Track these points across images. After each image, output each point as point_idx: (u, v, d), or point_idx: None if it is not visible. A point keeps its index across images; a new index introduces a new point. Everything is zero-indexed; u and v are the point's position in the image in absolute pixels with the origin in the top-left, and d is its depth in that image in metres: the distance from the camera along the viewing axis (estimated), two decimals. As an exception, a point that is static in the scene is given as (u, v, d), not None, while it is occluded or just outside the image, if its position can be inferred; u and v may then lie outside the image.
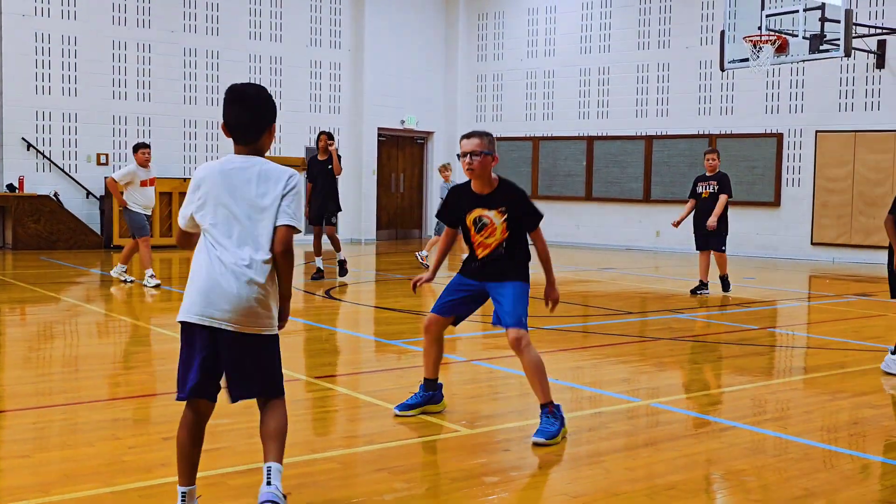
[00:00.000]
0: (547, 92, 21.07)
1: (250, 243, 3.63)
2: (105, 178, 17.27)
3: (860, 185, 16.74)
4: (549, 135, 20.87)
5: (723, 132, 18.58)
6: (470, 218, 5.11)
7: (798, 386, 6.60)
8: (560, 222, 20.36)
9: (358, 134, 20.66)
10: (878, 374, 7.12)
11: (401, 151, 22.07)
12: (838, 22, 13.46)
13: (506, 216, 5.03)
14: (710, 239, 11.58)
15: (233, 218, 3.64)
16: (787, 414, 5.70)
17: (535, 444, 4.79)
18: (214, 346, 3.58)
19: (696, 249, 11.90)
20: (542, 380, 5.00)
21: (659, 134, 19.36)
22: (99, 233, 17.23)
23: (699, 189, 11.71)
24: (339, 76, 20.59)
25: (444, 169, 15.54)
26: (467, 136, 5.11)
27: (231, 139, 3.78)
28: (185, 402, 3.67)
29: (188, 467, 3.64)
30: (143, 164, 11.92)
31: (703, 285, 11.72)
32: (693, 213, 11.79)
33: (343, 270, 12.85)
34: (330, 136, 12.85)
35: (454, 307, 5.24)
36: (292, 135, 19.84)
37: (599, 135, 20.15)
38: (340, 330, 8.70)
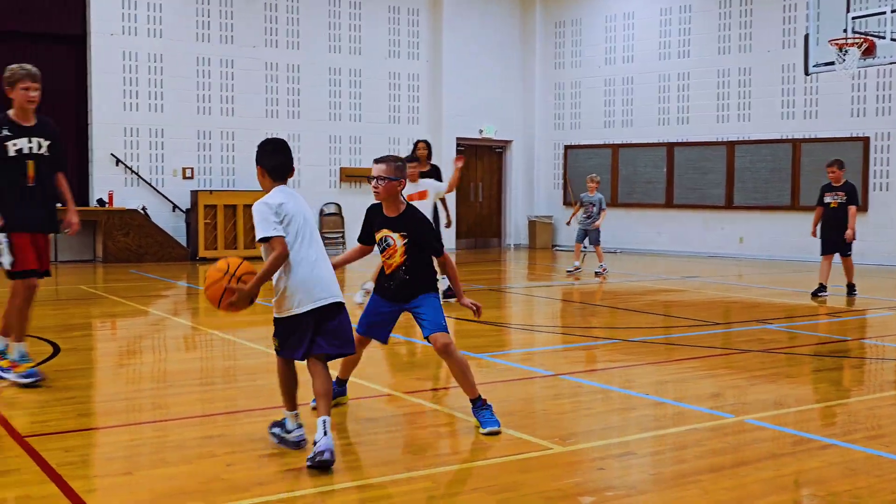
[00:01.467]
0: (626, 98, 20.89)
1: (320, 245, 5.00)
2: (191, 191, 17.70)
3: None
4: (629, 142, 20.69)
5: (807, 136, 18.19)
6: (378, 236, 5.52)
7: (894, 401, 6.41)
8: (640, 230, 20.16)
9: (437, 144, 20.68)
10: (981, 388, 6.90)
11: (479, 161, 22.09)
12: (929, 22, 13.06)
13: (406, 240, 5.39)
14: (840, 245, 12.32)
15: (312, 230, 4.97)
16: (886, 431, 5.54)
17: (492, 434, 5.24)
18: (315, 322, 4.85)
19: (821, 255, 12.57)
20: (470, 378, 5.45)
21: (741, 139, 19.04)
22: (185, 245, 17.60)
23: (827, 199, 12.56)
24: (417, 87, 20.72)
25: (590, 181, 15.35)
26: (377, 160, 5.44)
27: (273, 178, 4.95)
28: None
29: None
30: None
31: (822, 288, 12.21)
32: (821, 221, 12.66)
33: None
34: (428, 146, 11.86)
35: (372, 330, 5.64)
36: (372, 146, 20.01)
37: (680, 141, 19.90)
38: (423, 343, 8.73)
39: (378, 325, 5.60)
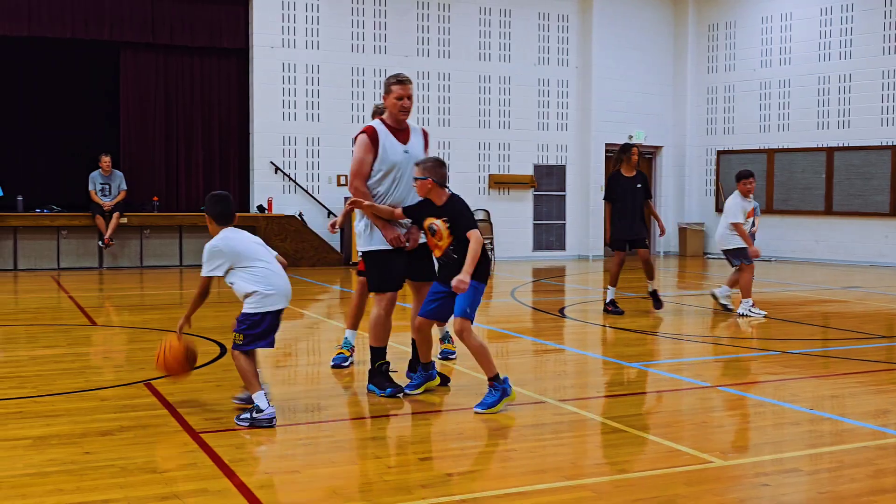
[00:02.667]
0: (782, 102, 20.26)
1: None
2: (345, 198, 18.20)
3: None
4: (785, 146, 20.04)
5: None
6: (425, 224, 6.38)
7: None
8: (798, 237, 19.50)
9: (586, 150, 20.64)
10: None
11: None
12: None
13: (448, 225, 6.23)
14: None
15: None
16: None
17: (475, 413, 5.92)
18: None
19: None
20: (486, 360, 6.08)
21: (908, 143, 18.17)
22: (339, 251, 18.09)
23: None
24: (566, 93, 20.65)
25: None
26: (416, 162, 6.48)
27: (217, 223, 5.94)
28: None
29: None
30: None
31: None
32: None
33: (658, 302, 11.33)
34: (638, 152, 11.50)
35: (436, 312, 6.34)
36: (521, 153, 20.11)
37: (840, 145, 19.15)
38: (576, 350, 8.72)
39: (437, 307, 6.29)
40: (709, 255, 21.13)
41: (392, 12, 18.84)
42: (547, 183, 20.50)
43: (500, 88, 19.93)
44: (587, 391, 7.04)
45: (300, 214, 17.94)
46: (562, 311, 11.56)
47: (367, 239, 6.62)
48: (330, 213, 18.29)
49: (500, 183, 19.87)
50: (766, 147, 20.20)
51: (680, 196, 22.16)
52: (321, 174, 18.40)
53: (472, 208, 21.25)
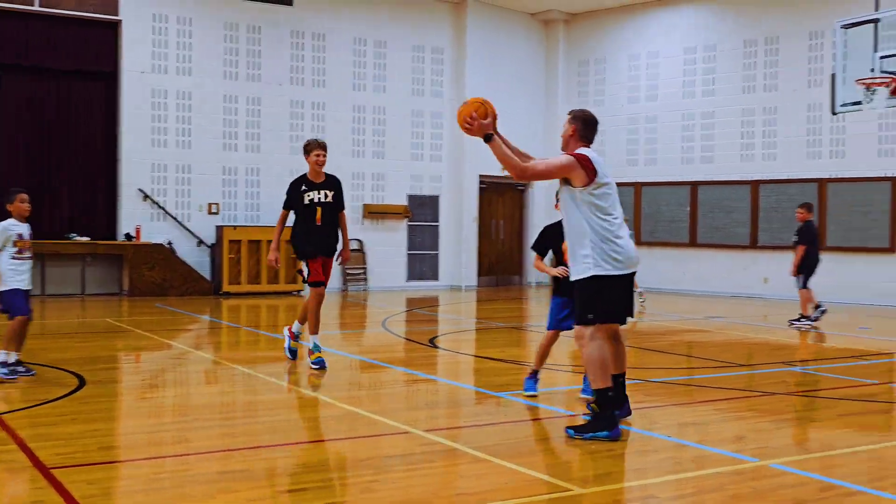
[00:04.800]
0: (649, 137, 20.92)
1: None
2: (216, 226, 17.83)
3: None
4: (652, 180, 20.68)
5: (833, 176, 18.11)
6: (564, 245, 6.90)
7: (926, 446, 6.30)
8: (664, 268, 20.06)
9: (459, 181, 20.81)
10: None
11: (501, 198, 22.12)
12: (956, 63, 13.00)
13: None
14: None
15: None
16: (916, 477, 5.44)
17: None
18: None
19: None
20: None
21: (766, 178, 18.98)
22: (209, 279, 17.69)
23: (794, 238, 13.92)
24: (441, 125, 20.83)
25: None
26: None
27: None
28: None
29: None
30: None
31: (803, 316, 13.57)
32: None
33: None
34: None
35: (561, 324, 7.30)
36: (395, 183, 20.15)
37: (704, 180, 19.86)
38: (445, 380, 8.70)
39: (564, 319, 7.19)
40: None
41: (266, 40, 18.67)
42: (421, 213, 20.57)
43: (374, 119, 19.95)
44: (455, 421, 7.02)
45: (169, 243, 17.48)
46: (432, 340, 11.55)
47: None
48: (200, 241, 17.87)
49: (374, 213, 19.83)
50: (634, 181, 20.78)
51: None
52: (192, 202, 17.98)
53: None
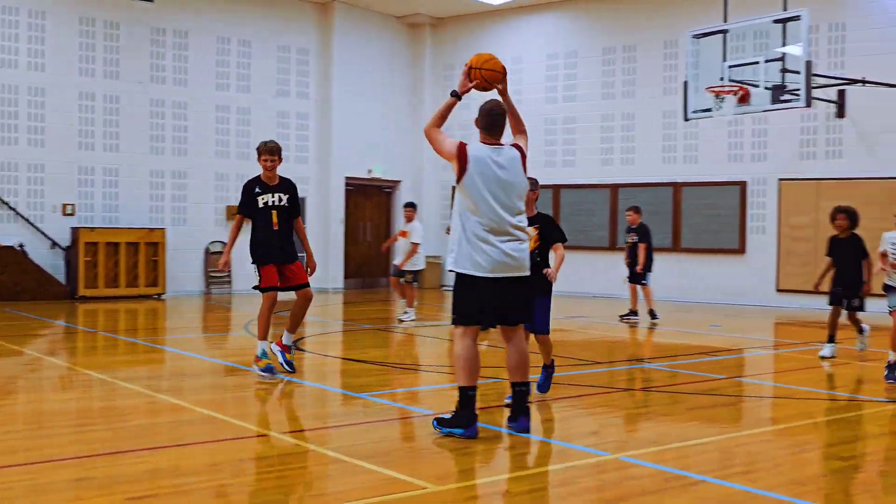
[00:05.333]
0: (514, 141, 21.22)
1: None
2: (71, 228, 17.20)
3: (824, 233, 16.94)
4: (517, 183, 20.99)
5: (687, 180, 18.82)
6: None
7: (767, 437, 6.61)
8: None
9: (326, 183, 20.70)
10: (845, 424, 7.18)
11: (368, 200, 22.11)
12: (798, 73, 13.70)
13: (538, 231, 7.27)
14: (635, 276, 14.51)
15: None
16: (757, 467, 5.70)
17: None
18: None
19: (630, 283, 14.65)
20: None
21: (624, 182, 19.56)
22: (64, 283, 17.04)
23: (627, 238, 14.79)
24: (306, 126, 20.67)
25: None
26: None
27: None
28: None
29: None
30: None
31: (632, 313, 14.52)
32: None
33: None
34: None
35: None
36: (260, 184, 19.84)
37: (566, 183, 20.32)
38: (305, 382, 8.63)
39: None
40: (445, 287, 21.71)
41: (125, 36, 18.12)
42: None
43: (239, 119, 19.63)
44: (314, 423, 6.97)
45: (20, 245, 16.74)
46: (297, 343, 11.42)
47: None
48: (55, 243, 17.19)
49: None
50: (499, 183, 21.06)
51: (419, 230, 22.62)
52: (45, 203, 17.28)
53: (210, 240, 20.70)
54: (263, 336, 8.69)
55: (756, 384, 9.25)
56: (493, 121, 6.33)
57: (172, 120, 18.74)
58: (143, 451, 5.76)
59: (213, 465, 5.42)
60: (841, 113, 17.06)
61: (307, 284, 8.85)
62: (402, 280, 14.36)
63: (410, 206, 14.64)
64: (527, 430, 6.28)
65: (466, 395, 6.15)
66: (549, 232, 7.44)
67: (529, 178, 6.53)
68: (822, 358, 10.43)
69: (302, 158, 20.55)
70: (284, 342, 8.86)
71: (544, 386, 7.81)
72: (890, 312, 8.88)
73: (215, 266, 19.21)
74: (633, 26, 19.63)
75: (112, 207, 18.01)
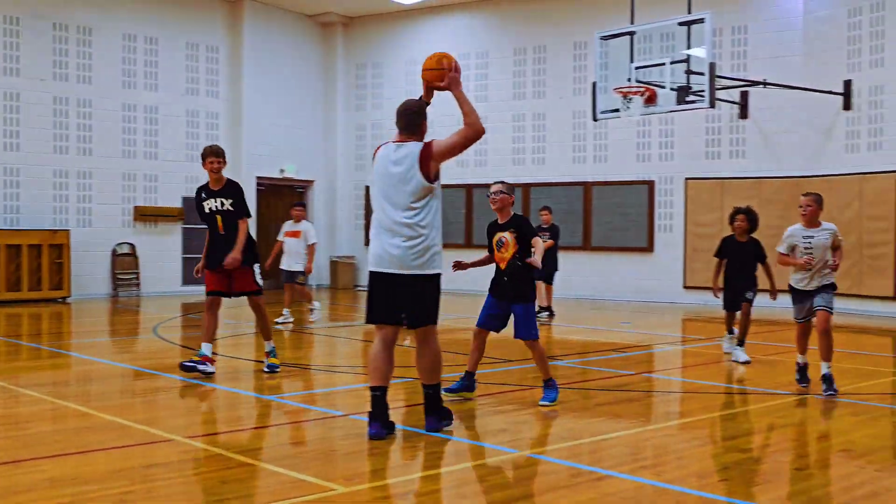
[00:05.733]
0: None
1: None
2: (-32, 230, 16.60)
3: (728, 231, 17.36)
4: (430, 183, 21.04)
5: (597, 180, 19.10)
6: (494, 241, 7.49)
7: (673, 431, 6.74)
8: (442, 270, 20.45)
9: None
10: (746, 417, 7.37)
11: (280, 201, 21.86)
12: (703, 74, 14.02)
13: (515, 235, 7.28)
14: (543, 275, 14.25)
15: None
16: (662, 461, 5.81)
17: (540, 406, 7.33)
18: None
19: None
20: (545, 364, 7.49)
21: (536, 182, 19.75)
22: (-38, 288, 16.48)
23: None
24: (216, 125, 20.37)
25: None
26: (496, 182, 7.53)
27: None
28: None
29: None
30: None
31: (543, 309, 14.33)
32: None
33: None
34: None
35: (488, 323, 7.53)
36: (169, 185, 19.49)
37: (478, 182, 20.43)
38: (216, 385, 8.50)
39: (493, 318, 7.42)
40: (359, 288, 21.63)
41: (26, 32, 17.58)
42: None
43: (146, 118, 19.23)
44: (221, 426, 6.86)
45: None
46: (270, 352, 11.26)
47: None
48: (-49, 246, 16.60)
49: (146, 215, 19.10)
50: (413, 183, 21.06)
51: (332, 230, 22.53)
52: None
53: (117, 242, 20.24)
54: (206, 339, 8.79)
55: (664, 379, 9.43)
56: (399, 118, 6.42)
57: (77, 118, 18.26)
58: (43, 459, 5.60)
59: (117, 472, 5.29)
60: (744, 114, 17.52)
61: (253, 292, 8.98)
62: (297, 283, 13.89)
63: (301, 206, 14.24)
64: (435, 430, 6.27)
65: (371, 395, 6.13)
66: (524, 232, 7.39)
67: (499, 182, 7.39)
68: (728, 353, 10.49)
69: (212, 158, 20.21)
70: (267, 349, 9.21)
71: (548, 399, 7.43)
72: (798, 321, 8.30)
73: (122, 268, 18.80)
74: (543, 27, 19.84)
75: (13, 208, 17.46)
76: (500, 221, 7.51)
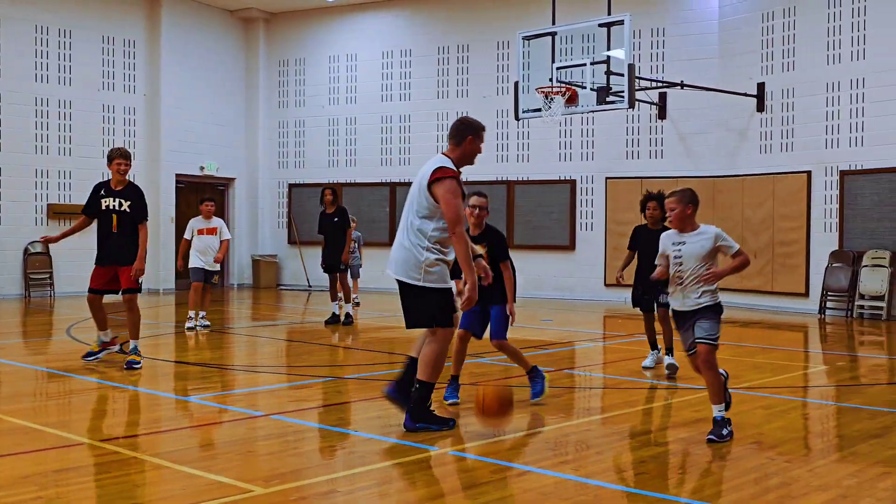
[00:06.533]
0: (349, 139, 21.20)
1: None
2: None
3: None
4: (353, 181, 20.96)
5: (520, 178, 19.23)
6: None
7: (592, 426, 6.82)
8: (368, 268, 20.39)
9: (155, 180, 20.02)
10: (665, 411, 7.49)
11: (200, 198, 21.51)
12: (622, 75, 14.21)
13: (486, 249, 7.19)
14: None
15: None
16: (581, 455, 5.86)
17: (532, 402, 7.47)
18: None
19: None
20: (521, 359, 7.65)
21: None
22: None
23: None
24: (133, 121, 19.95)
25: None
26: (480, 194, 7.46)
27: None
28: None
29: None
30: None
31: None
32: None
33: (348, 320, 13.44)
34: (333, 192, 13.75)
35: (471, 326, 7.36)
36: (84, 181, 18.98)
37: (402, 181, 20.41)
38: (131, 387, 8.32)
39: (474, 322, 7.34)
40: (282, 287, 21.44)
41: (-68, 23, 16.99)
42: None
43: (59, 113, 18.73)
44: (135, 429, 6.71)
45: None
46: (122, 347, 11.01)
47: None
48: None
49: (60, 213, 18.59)
50: (335, 181, 20.95)
51: (253, 228, 22.27)
52: None
53: (28, 241, 19.74)
54: (101, 328, 9.45)
55: (585, 376, 9.54)
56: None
57: (-13, 113, 17.72)
58: (-52, 464, 5.41)
59: (27, 478, 5.14)
60: (662, 114, 17.83)
61: (129, 290, 9.29)
62: (212, 283, 13.32)
63: (212, 201, 13.46)
64: (409, 429, 6.31)
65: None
66: (495, 249, 7.30)
67: (475, 193, 7.32)
68: (645, 368, 9.38)
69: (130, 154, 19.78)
70: (103, 339, 9.49)
71: (536, 394, 7.51)
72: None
73: (35, 267, 18.30)
74: (467, 26, 19.90)
75: (-81, 206, 16.86)
76: (472, 234, 7.22)
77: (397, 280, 6.34)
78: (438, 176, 6.23)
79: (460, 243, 6.12)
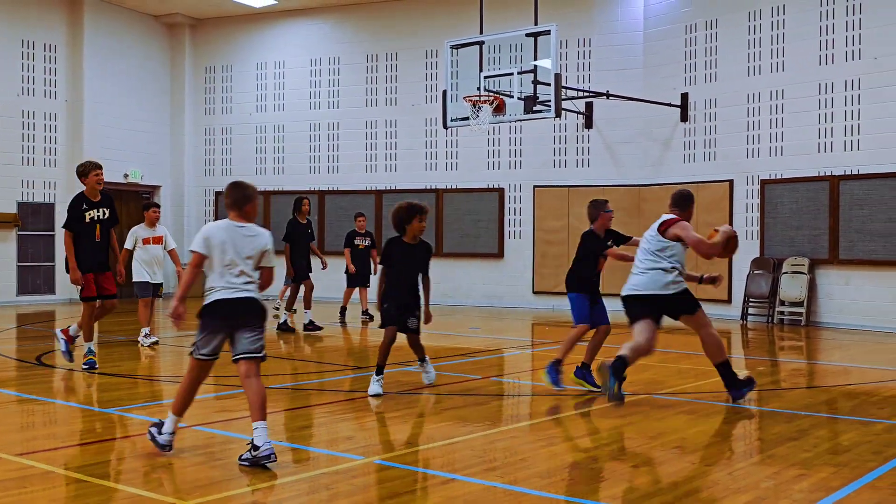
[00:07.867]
0: (277, 146, 21.05)
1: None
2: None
3: (575, 236, 17.77)
4: (281, 189, 20.80)
5: (449, 187, 19.29)
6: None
7: (518, 434, 6.85)
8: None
9: (76, 188, 19.51)
10: (590, 418, 7.56)
11: (126, 206, 21.12)
12: (549, 85, 14.35)
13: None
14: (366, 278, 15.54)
15: None
16: (506, 462, 5.88)
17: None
18: None
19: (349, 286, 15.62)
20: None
21: (388, 188, 19.78)
22: None
23: (356, 242, 15.63)
24: (55, 127, 19.52)
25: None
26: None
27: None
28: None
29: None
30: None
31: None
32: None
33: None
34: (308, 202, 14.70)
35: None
36: (3, 189, 18.54)
37: (330, 189, 20.32)
38: (49, 399, 8.12)
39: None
40: (209, 296, 21.13)
41: None
42: (33, 222, 19.10)
43: (-23, 118, 18.24)
44: (54, 442, 6.55)
45: None
46: (39, 358, 10.75)
47: None
48: None
49: (-22, 222, 18.12)
50: (263, 189, 20.75)
51: (179, 236, 21.90)
52: None
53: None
54: (89, 338, 9.67)
55: (512, 383, 9.59)
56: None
57: None
58: None
59: (-64, 494, 4.97)
60: (588, 124, 18.04)
61: (115, 295, 9.82)
62: (158, 295, 12.45)
63: (157, 207, 12.81)
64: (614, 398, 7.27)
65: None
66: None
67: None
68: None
69: (50, 161, 19.37)
70: (72, 333, 9.83)
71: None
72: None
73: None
74: (395, 34, 19.91)
75: None
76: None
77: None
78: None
79: None
